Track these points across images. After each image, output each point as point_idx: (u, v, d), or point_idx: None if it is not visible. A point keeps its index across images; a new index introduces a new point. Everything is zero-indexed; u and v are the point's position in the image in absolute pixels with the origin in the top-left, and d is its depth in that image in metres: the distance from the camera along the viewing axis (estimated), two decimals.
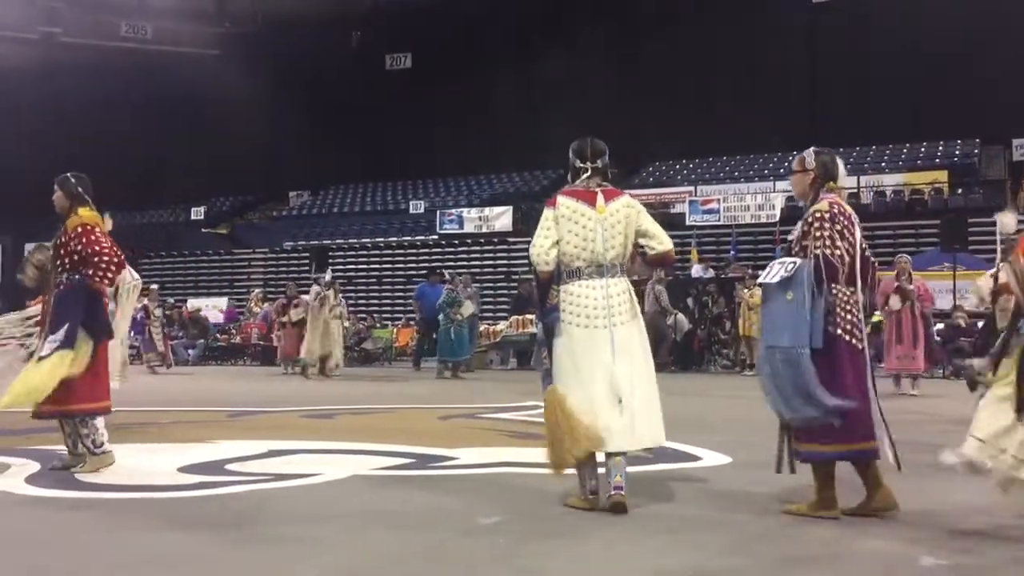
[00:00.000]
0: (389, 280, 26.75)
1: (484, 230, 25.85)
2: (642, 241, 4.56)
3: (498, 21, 30.00)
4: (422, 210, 29.23)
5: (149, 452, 6.47)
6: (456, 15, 30.16)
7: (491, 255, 24.95)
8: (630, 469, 4.47)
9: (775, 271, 4.31)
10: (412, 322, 21.48)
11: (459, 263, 22.65)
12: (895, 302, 11.49)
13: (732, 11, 27.09)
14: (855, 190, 24.10)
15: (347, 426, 8.36)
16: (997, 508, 4.26)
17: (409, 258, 27.04)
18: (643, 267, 4.75)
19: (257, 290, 23.88)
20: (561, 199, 4.53)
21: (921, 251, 19.58)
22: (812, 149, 4.63)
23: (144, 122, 33.13)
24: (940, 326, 16.76)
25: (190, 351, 21.17)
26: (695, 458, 6.04)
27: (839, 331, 4.20)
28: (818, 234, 4.28)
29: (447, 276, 16.91)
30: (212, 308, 25.28)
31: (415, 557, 3.69)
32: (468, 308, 15.55)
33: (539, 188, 30.08)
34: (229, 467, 5.74)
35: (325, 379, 14.89)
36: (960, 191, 23.09)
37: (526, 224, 25.06)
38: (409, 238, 28.06)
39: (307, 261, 27.68)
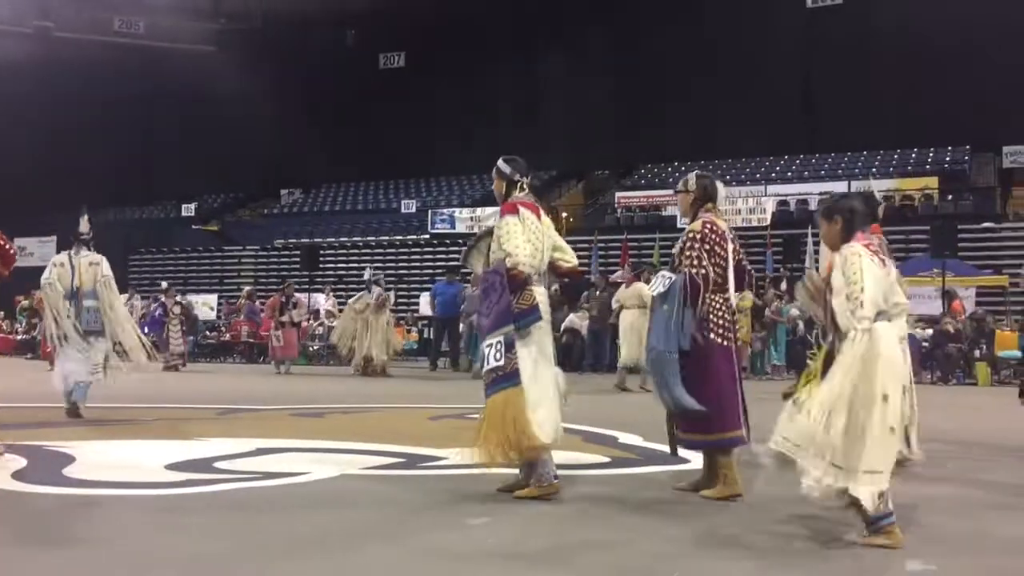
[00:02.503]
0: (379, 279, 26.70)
1: (476, 230, 25.77)
2: (556, 255, 4.95)
3: (492, 21, 29.99)
4: (414, 209, 29.21)
5: (136, 449, 6.45)
6: (450, 15, 30.14)
7: None
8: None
9: (657, 284, 4.88)
10: (403, 322, 21.46)
11: (451, 263, 22.62)
12: None
13: (727, 15, 27.16)
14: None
15: (337, 425, 8.34)
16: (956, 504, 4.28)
17: (401, 257, 27.03)
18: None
19: (247, 287, 23.82)
20: (520, 208, 4.81)
21: (911, 256, 19.65)
22: (695, 173, 5.26)
23: (137, 118, 33.01)
24: (929, 332, 16.84)
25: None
26: (685, 460, 6.04)
27: (712, 335, 4.76)
28: (688, 253, 4.82)
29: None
30: (202, 305, 25.20)
31: (403, 558, 3.68)
32: None
33: (532, 189, 30.11)
34: (217, 465, 5.72)
35: (376, 378, 15.09)
36: (950, 197, 23.19)
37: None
38: (401, 237, 28.04)
39: (298, 259, 27.67)
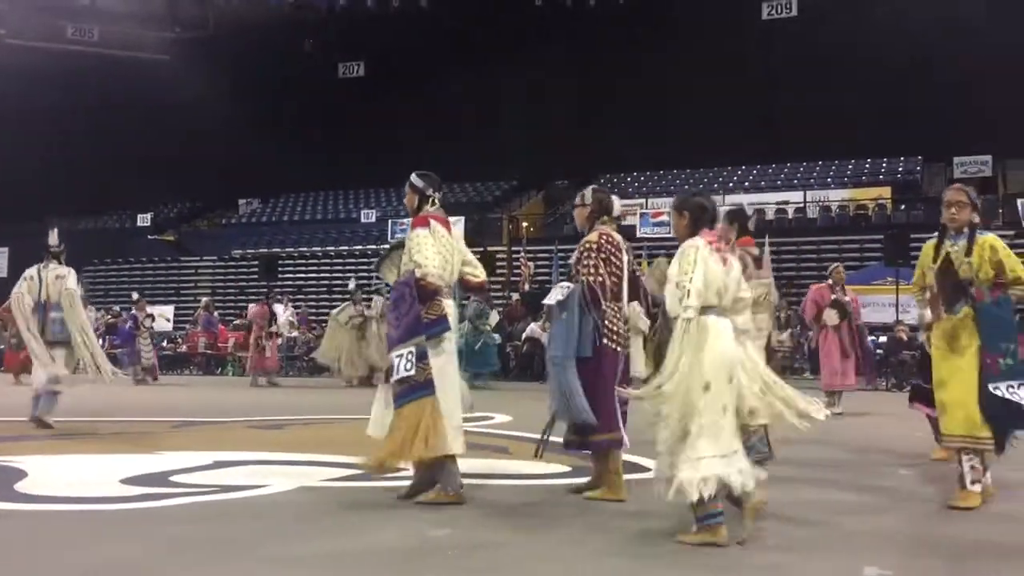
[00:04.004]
0: (340, 290, 26.54)
1: None
2: (466, 269, 5.10)
3: (454, 32, 30.01)
4: (374, 219, 29.09)
5: (92, 463, 6.34)
6: (411, 24, 30.11)
7: None
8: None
9: (554, 294, 5.03)
10: None
11: None
12: (832, 316, 10.83)
13: (687, 28, 27.43)
14: (802, 204, 24.57)
15: (296, 437, 8.27)
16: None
17: (361, 267, 26.87)
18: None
19: (205, 298, 23.54)
20: (431, 221, 4.93)
21: (865, 265, 19.96)
22: (591, 187, 5.46)
23: (91, 127, 32.51)
24: (883, 339, 17.12)
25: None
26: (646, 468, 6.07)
27: (606, 341, 4.96)
28: (585, 263, 5.02)
29: None
30: (159, 316, 24.84)
31: (364, 570, 3.66)
32: (494, 318, 15.62)
33: (492, 198, 30.17)
34: (173, 479, 5.64)
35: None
36: (903, 207, 23.61)
37: (479, 234, 25.08)
38: (361, 247, 27.89)
39: (256, 269, 27.40)
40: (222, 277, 28.57)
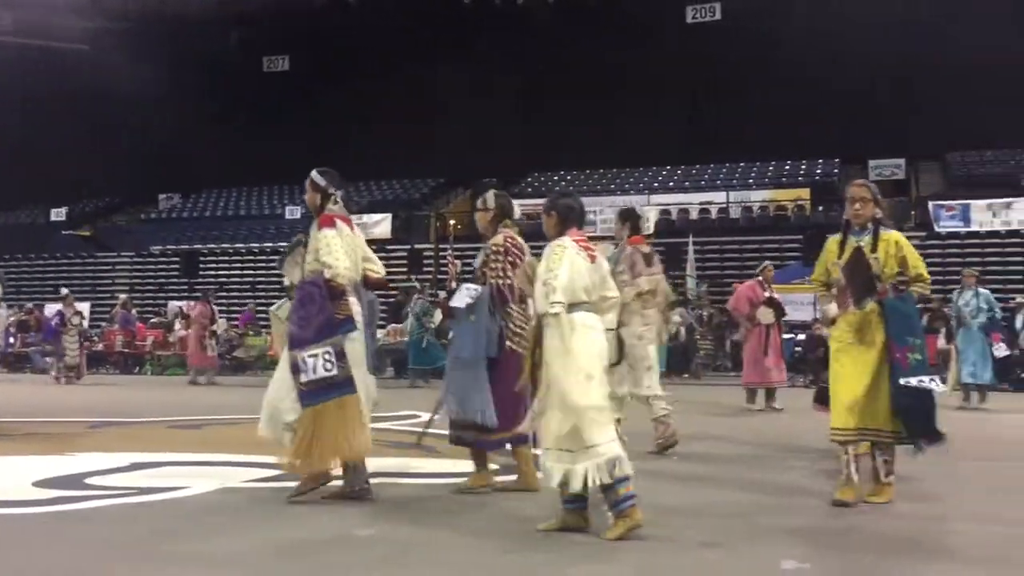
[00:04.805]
0: (264, 287, 26.10)
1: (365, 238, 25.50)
2: (367, 266, 5.11)
3: (381, 26, 29.75)
4: (298, 215, 28.63)
5: (2, 465, 6.13)
6: (338, 19, 29.77)
7: None
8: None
9: (462, 296, 5.11)
10: None
11: None
12: (767, 315, 10.99)
13: (615, 30, 27.71)
14: (725, 204, 25.04)
15: (216, 437, 8.11)
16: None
17: None
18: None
19: (123, 295, 22.94)
20: (337, 220, 4.96)
21: (785, 264, 20.43)
22: (492, 192, 5.52)
23: (3, 118, 31.35)
24: (801, 336, 17.55)
25: (47, 359, 20.10)
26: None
27: (509, 343, 5.04)
28: (493, 266, 5.13)
29: (417, 286, 16.87)
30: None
31: (287, 570, 3.61)
32: (439, 316, 15.54)
33: (419, 196, 30.02)
34: (89, 481, 5.49)
35: None
36: (821, 208, 24.23)
37: (405, 232, 24.97)
38: (285, 244, 27.39)
39: (176, 266, 26.80)
40: (140, 274, 27.88)
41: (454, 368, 5.18)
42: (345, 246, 4.88)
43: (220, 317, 19.87)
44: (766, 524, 4.49)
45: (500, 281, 5.08)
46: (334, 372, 4.71)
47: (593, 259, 4.27)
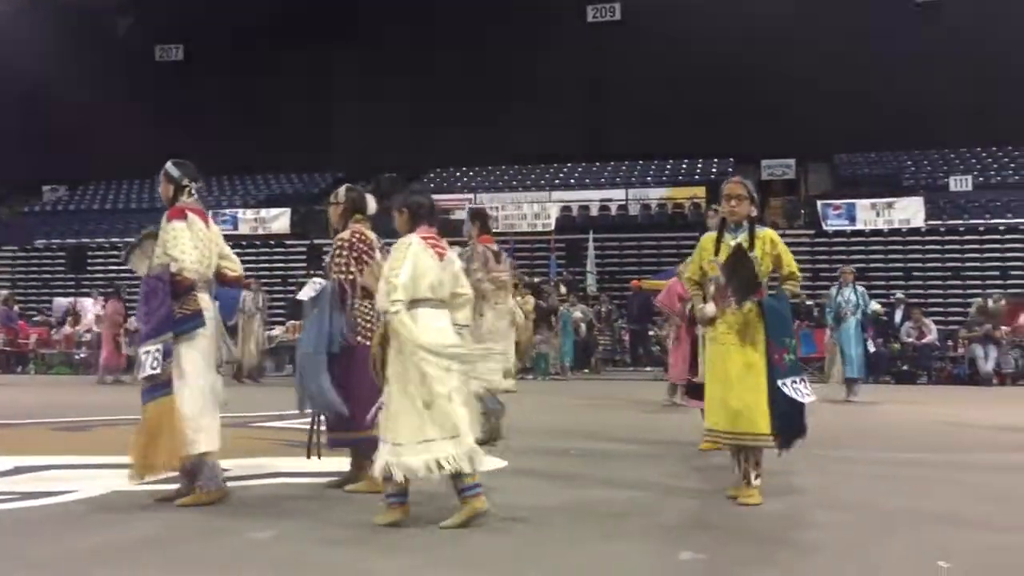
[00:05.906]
0: None
1: (260, 232, 24.99)
2: (223, 263, 5.02)
3: (279, 16, 29.14)
4: None
5: None
6: (234, 7, 29.03)
7: (267, 258, 24.18)
8: None
9: (307, 290, 5.10)
10: None
11: None
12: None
13: (517, 27, 27.83)
14: (624, 202, 25.45)
15: (105, 439, 7.82)
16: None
17: None
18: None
19: (4, 291, 21.89)
20: (188, 213, 4.86)
21: (683, 260, 20.84)
22: (345, 186, 5.57)
23: None
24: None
25: None
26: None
27: (360, 338, 5.02)
28: (337, 260, 5.16)
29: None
30: None
31: (183, 572, 3.52)
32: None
33: (318, 190, 29.50)
34: None
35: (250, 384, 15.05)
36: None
37: (304, 227, 24.53)
38: None
39: (62, 261, 25.75)
40: (23, 269, 26.66)
41: (300, 362, 5.12)
42: (196, 240, 4.78)
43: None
44: (661, 518, 4.58)
45: (343, 276, 5.09)
46: (158, 371, 4.61)
47: (442, 256, 4.32)
